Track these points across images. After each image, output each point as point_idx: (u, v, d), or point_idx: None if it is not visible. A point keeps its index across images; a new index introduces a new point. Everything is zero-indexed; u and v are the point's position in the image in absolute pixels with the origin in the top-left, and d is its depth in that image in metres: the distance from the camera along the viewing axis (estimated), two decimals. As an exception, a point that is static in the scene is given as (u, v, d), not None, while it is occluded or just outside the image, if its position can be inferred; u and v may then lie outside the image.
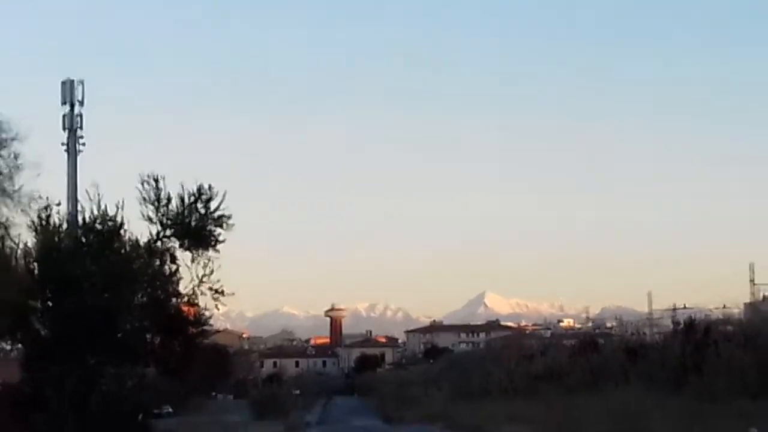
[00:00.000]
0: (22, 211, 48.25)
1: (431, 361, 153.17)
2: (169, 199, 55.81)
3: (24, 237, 51.68)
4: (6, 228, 47.08)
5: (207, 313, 57.36)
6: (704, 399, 45.01)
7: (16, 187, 47.32)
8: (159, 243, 55.64)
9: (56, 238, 54.18)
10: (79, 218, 55.79)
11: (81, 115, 62.95)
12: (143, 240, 55.52)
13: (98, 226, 54.43)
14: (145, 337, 55.69)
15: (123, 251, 54.55)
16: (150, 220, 55.83)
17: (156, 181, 55.69)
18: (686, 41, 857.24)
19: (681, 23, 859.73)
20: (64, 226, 55.29)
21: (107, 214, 54.60)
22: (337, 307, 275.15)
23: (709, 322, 63.95)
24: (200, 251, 55.97)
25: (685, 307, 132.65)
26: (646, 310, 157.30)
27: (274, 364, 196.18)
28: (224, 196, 56.50)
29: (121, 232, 54.91)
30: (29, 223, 51.78)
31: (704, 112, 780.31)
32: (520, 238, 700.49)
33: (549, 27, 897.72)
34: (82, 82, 63.30)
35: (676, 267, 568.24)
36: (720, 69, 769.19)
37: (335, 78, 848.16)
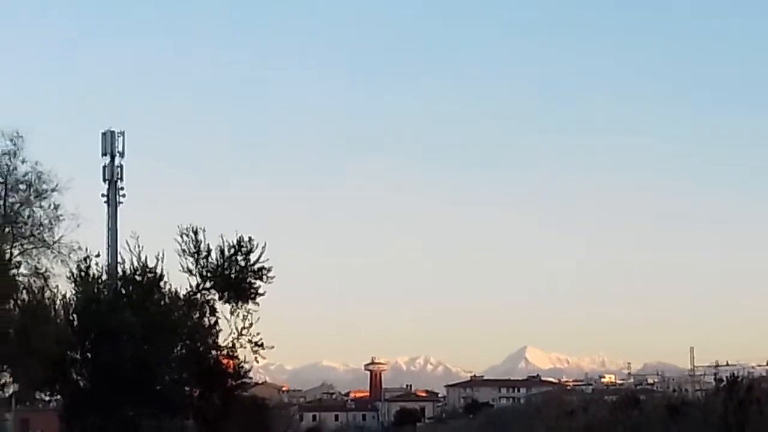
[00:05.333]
0: (61, 261, 48.47)
1: (471, 416, 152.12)
2: (208, 251, 55.90)
3: (63, 288, 51.86)
4: (45, 279, 47.24)
5: (246, 366, 57.39)
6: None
7: (56, 238, 47.58)
8: (198, 295, 55.70)
9: (96, 290, 54.29)
10: (119, 269, 55.97)
11: (121, 167, 63.05)
12: (183, 292, 55.64)
13: (138, 278, 54.54)
14: (184, 389, 55.61)
15: (162, 303, 54.60)
16: (190, 272, 55.96)
17: (195, 233, 55.87)
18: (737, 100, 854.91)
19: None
20: (104, 277, 55.42)
21: (147, 266, 54.69)
22: (377, 360, 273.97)
23: (752, 379, 63.38)
24: (240, 304, 55.98)
25: (727, 364, 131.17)
26: (688, 366, 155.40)
27: (314, 417, 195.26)
28: (264, 248, 56.62)
29: (161, 283, 55.02)
30: (69, 274, 51.99)
31: (754, 168, 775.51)
32: (561, 292, 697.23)
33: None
34: (122, 134, 63.38)
35: (719, 323, 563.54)
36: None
37: (374, 131, 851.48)
